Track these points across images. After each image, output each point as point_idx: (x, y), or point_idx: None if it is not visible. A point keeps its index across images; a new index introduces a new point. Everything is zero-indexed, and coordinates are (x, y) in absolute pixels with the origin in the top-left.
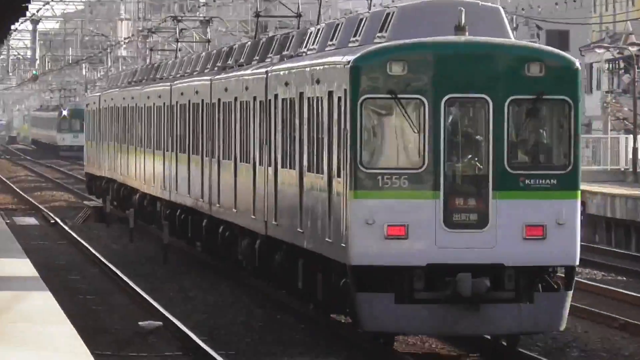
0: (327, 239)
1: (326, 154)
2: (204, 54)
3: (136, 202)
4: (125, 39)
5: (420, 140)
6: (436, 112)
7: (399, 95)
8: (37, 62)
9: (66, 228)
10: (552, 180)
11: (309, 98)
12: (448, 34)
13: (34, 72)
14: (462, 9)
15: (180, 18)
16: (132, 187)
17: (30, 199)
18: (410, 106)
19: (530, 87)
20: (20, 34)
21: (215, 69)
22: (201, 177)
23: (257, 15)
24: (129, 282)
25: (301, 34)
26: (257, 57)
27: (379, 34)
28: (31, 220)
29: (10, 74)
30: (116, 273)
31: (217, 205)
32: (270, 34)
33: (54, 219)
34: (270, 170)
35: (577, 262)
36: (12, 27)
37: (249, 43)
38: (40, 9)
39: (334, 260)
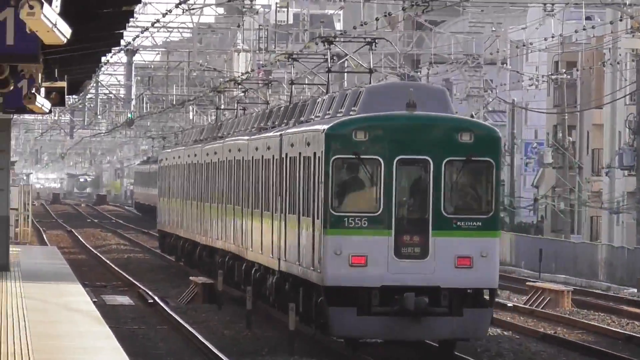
0: (311, 268)
1: (312, 201)
2: (255, 113)
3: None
4: (242, 73)
5: (377, 191)
6: (389, 169)
7: (361, 156)
8: (133, 102)
9: (167, 309)
10: (477, 223)
11: (304, 157)
12: (402, 110)
13: (129, 115)
14: (412, 89)
15: (296, 56)
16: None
17: (124, 274)
18: (369, 164)
19: (462, 151)
20: (113, 67)
21: (254, 129)
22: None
23: (329, 70)
24: None
25: (313, 103)
26: (285, 120)
27: (353, 108)
28: (124, 300)
29: (100, 117)
30: None
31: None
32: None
33: (153, 298)
34: (282, 216)
35: (497, 286)
36: (103, 59)
37: (282, 108)
38: (138, 36)
39: (314, 283)
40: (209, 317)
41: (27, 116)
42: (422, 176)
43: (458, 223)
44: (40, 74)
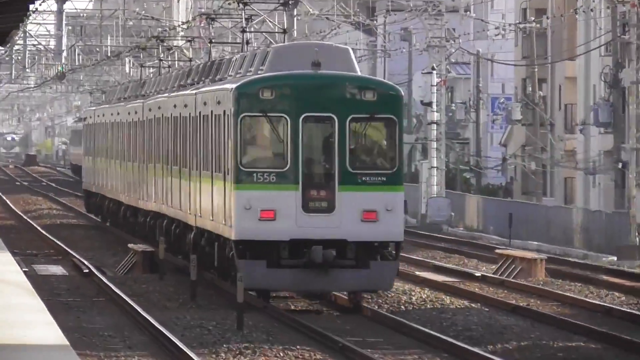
0: (222, 223)
1: (222, 158)
2: (176, 71)
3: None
4: (182, 23)
5: (284, 147)
6: (295, 127)
7: (268, 114)
8: (64, 54)
9: (104, 280)
10: (382, 178)
11: (215, 115)
12: (307, 69)
13: (60, 68)
14: (317, 49)
15: (214, 16)
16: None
17: (57, 241)
18: (276, 122)
19: (366, 108)
20: (41, 16)
21: (174, 87)
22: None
23: (243, 30)
24: (192, 354)
25: (228, 62)
26: (203, 79)
27: (261, 67)
28: (57, 270)
29: (28, 70)
30: (173, 342)
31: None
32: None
33: (88, 268)
34: (197, 173)
35: (402, 239)
36: (31, 6)
37: (201, 66)
38: None
39: (226, 237)
40: (150, 287)
41: None
42: (327, 133)
43: (363, 178)
44: None
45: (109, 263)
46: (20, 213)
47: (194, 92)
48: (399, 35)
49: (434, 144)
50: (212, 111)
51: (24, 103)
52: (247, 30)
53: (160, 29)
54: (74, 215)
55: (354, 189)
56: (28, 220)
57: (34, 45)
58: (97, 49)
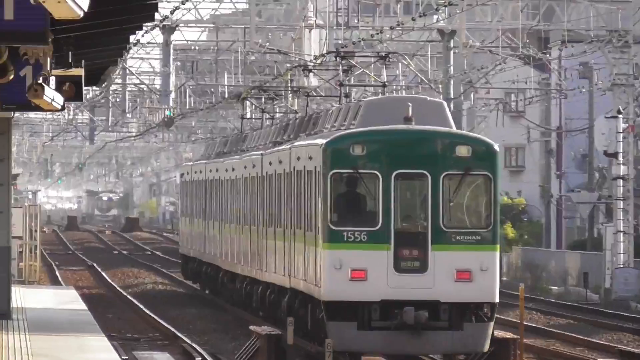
0: (312, 283)
1: (314, 216)
2: (274, 125)
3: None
4: (316, 57)
5: (376, 205)
6: (387, 184)
7: (360, 170)
8: (172, 95)
9: None
10: (476, 237)
11: (307, 171)
12: (400, 123)
13: (168, 112)
14: (409, 103)
15: (311, 67)
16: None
17: (163, 322)
18: (368, 179)
19: (460, 165)
20: (145, 49)
21: (270, 142)
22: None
23: (341, 84)
24: None
25: (325, 115)
26: (300, 133)
27: (353, 122)
28: (163, 357)
29: (129, 115)
30: None
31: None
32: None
33: (201, 355)
34: (291, 232)
35: (497, 300)
36: (132, 38)
37: (298, 120)
38: (177, 7)
39: (316, 298)
40: None
41: (32, 114)
42: (420, 190)
43: (457, 237)
44: (49, 59)
45: (227, 349)
46: (118, 288)
47: (288, 147)
48: (577, 72)
49: (620, 204)
50: (304, 167)
51: (124, 155)
52: (345, 83)
53: (288, 65)
54: (184, 292)
55: (448, 248)
56: (128, 296)
57: (135, 84)
58: (212, 89)
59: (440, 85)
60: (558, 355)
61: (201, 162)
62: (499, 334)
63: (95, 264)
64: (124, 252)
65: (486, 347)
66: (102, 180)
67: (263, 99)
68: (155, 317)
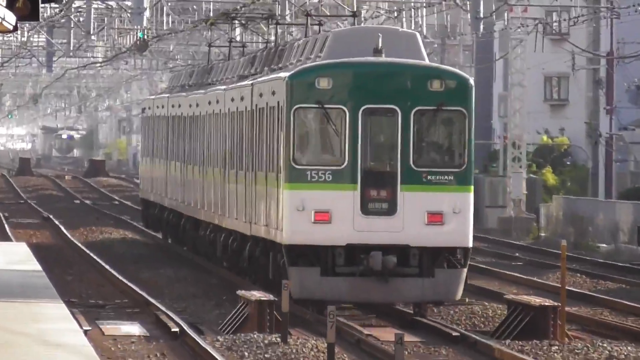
0: (274, 227)
1: (276, 155)
2: (243, 57)
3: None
4: None
5: (342, 143)
6: (355, 119)
7: (325, 105)
8: (147, 14)
9: (203, 344)
10: (449, 177)
11: (270, 107)
12: (369, 55)
13: (141, 34)
14: (380, 34)
15: None
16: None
17: (133, 286)
18: (333, 114)
19: (432, 99)
20: None
21: (236, 76)
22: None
23: (308, 14)
24: None
25: (291, 48)
26: (266, 67)
27: (320, 54)
28: (133, 329)
29: (94, 38)
30: None
31: None
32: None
33: (179, 325)
34: (252, 174)
35: (471, 244)
36: None
37: (265, 52)
38: None
39: (272, 241)
40: (272, 355)
41: None
42: (389, 126)
43: (428, 177)
44: None
45: (210, 318)
46: (80, 245)
47: (250, 82)
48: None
49: None
50: (267, 103)
51: (88, 86)
52: (311, 13)
53: None
54: (158, 250)
55: (418, 189)
56: (91, 254)
57: (102, 1)
58: (194, 7)
59: (468, 2)
60: (606, 326)
61: (164, 96)
62: (537, 300)
63: (51, 216)
64: (87, 201)
65: (459, 295)
66: (62, 115)
67: (234, 27)
68: (124, 280)
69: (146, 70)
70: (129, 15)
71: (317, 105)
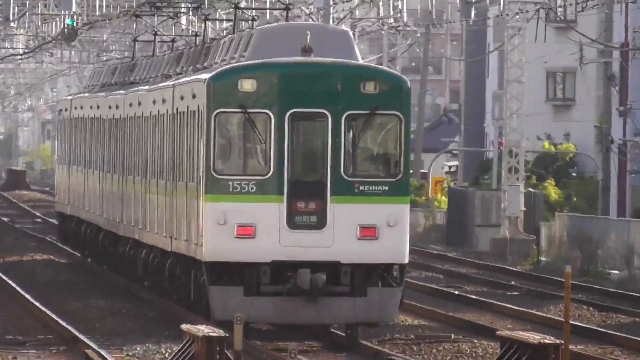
0: (194, 242)
1: (196, 164)
2: (172, 54)
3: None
4: None
5: (267, 150)
6: (281, 125)
7: (248, 110)
8: None
9: None
10: (383, 187)
11: (191, 111)
12: (297, 55)
13: (69, 21)
14: (308, 32)
15: None
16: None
17: (58, 320)
18: (258, 119)
19: (366, 103)
20: None
21: (159, 75)
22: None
23: (236, 6)
24: None
25: (217, 45)
26: (191, 65)
27: (244, 53)
28: None
29: (14, 25)
30: None
31: None
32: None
33: None
34: (173, 184)
35: (407, 260)
36: None
37: (192, 49)
38: None
39: (192, 257)
40: None
41: None
42: (319, 132)
43: (361, 187)
44: None
45: (149, 356)
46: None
47: (171, 83)
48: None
49: None
50: (188, 107)
51: (7, 82)
52: (239, 7)
53: None
54: (89, 277)
55: (350, 200)
56: (9, 282)
57: None
58: None
59: None
60: None
61: (82, 96)
62: (536, 337)
63: None
64: (4, 218)
65: (394, 317)
66: None
67: (161, 18)
68: (47, 312)
69: (75, 64)
70: None
71: (239, 110)
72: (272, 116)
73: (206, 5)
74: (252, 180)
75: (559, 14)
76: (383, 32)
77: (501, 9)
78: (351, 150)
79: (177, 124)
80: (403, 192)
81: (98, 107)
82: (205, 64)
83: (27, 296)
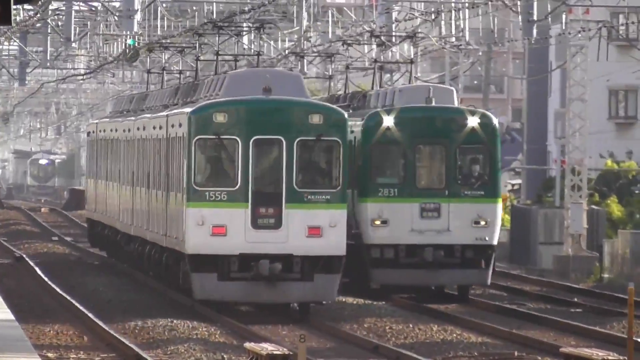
0: (178, 239)
1: (182, 178)
2: (173, 88)
3: None
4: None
5: (235, 168)
6: (246, 148)
7: (221, 136)
8: (138, 16)
9: None
10: (326, 196)
11: (179, 137)
12: (259, 94)
13: (131, 41)
14: (268, 75)
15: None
16: None
17: (120, 338)
18: (228, 144)
19: (312, 131)
20: None
21: (161, 105)
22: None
23: (217, 53)
24: None
25: (202, 83)
26: (183, 98)
27: (218, 92)
28: None
29: (75, 45)
30: None
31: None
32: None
33: None
34: (165, 194)
35: (344, 253)
36: None
37: (186, 85)
38: None
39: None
40: None
41: None
42: (276, 154)
43: (309, 197)
44: None
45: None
46: (57, 289)
47: (165, 113)
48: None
49: None
50: (176, 133)
51: (68, 102)
52: (221, 53)
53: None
54: (146, 293)
55: (300, 207)
56: (74, 302)
57: (84, 2)
58: (194, 8)
59: (518, 3)
60: None
61: (105, 120)
62: (599, 353)
63: (25, 255)
64: (67, 238)
65: (334, 297)
66: (37, 136)
67: (218, 37)
68: (108, 329)
69: (137, 84)
70: (116, 18)
71: (214, 137)
72: (240, 141)
73: (265, 26)
74: (224, 191)
75: (620, 32)
76: (445, 50)
77: (563, 28)
78: (301, 168)
79: (169, 146)
80: (342, 200)
81: (116, 130)
82: (194, 98)
83: (90, 315)
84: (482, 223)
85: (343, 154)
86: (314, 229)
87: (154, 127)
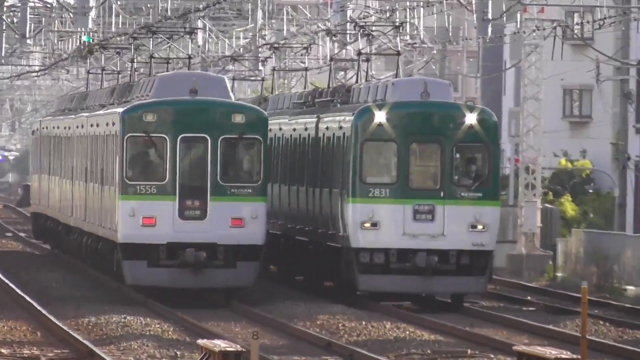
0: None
1: (114, 173)
2: (110, 88)
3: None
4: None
5: (164, 163)
6: (174, 145)
7: (150, 134)
8: (93, 13)
9: None
10: (248, 190)
11: (112, 135)
12: (186, 95)
13: (86, 38)
14: (194, 78)
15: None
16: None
17: (73, 334)
18: (157, 141)
19: (235, 130)
20: None
21: (98, 105)
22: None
23: (151, 56)
24: None
25: (137, 84)
26: (120, 98)
27: (149, 93)
28: None
29: (30, 42)
30: None
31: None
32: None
33: None
34: (99, 187)
35: (263, 242)
36: None
37: (122, 85)
38: None
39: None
40: None
41: None
42: (201, 151)
43: (232, 190)
44: None
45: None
46: (15, 288)
47: (101, 112)
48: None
49: None
50: (110, 131)
51: (23, 99)
52: (155, 55)
53: None
54: (110, 290)
55: (224, 200)
56: (32, 302)
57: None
58: (149, 5)
59: (473, 2)
60: None
61: (48, 119)
62: (552, 352)
63: None
64: (21, 233)
65: (253, 282)
66: None
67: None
68: (62, 325)
69: (92, 81)
70: (71, 15)
71: (144, 135)
72: (168, 139)
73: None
74: (153, 185)
75: (575, 31)
76: (399, 48)
77: (518, 27)
78: (225, 164)
79: (104, 143)
80: (262, 194)
81: (57, 128)
82: (128, 99)
83: (43, 311)
84: (480, 227)
85: (264, 151)
86: (236, 220)
87: (91, 125)
